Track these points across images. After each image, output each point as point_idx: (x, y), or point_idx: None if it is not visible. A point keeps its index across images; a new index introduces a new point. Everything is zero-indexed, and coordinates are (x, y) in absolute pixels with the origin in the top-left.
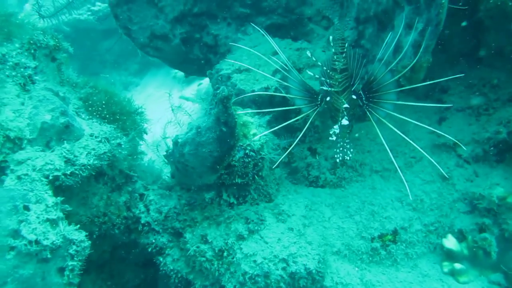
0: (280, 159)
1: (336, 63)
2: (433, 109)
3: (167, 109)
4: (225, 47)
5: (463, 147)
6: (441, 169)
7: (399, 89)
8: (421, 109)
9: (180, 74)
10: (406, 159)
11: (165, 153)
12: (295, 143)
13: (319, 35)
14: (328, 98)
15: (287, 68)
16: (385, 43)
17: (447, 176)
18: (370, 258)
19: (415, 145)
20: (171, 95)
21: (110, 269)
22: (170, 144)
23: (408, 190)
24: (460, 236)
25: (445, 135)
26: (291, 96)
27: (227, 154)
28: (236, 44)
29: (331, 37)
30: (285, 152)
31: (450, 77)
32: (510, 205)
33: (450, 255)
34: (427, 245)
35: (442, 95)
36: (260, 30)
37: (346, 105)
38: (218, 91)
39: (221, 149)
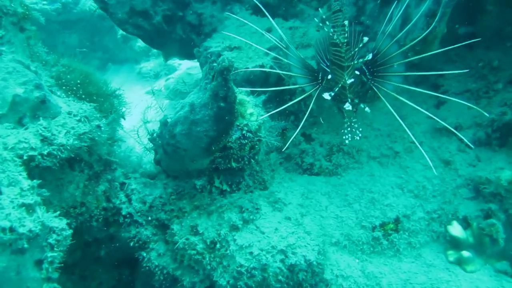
0: (289, 141)
1: (337, 36)
2: (432, 90)
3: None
4: (210, 27)
5: (458, 135)
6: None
7: (408, 60)
8: (418, 93)
9: (146, 69)
10: (405, 144)
11: (149, 137)
12: (300, 126)
13: (310, 16)
14: (329, 76)
15: (283, 46)
16: (388, 16)
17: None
18: (372, 249)
19: (409, 133)
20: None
21: (81, 270)
22: (152, 128)
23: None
24: (465, 224)
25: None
26: (292, 74)
27: (224, 133)
28: (232, 15)
29: (321, 13)
30: (280, 137)
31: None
32: None
33: (454, 244)
34: (430, 233)
35: (438, 78)
36: (259, 5)
37: (351, 80)
38: (217, 62)
39: (218, 128)
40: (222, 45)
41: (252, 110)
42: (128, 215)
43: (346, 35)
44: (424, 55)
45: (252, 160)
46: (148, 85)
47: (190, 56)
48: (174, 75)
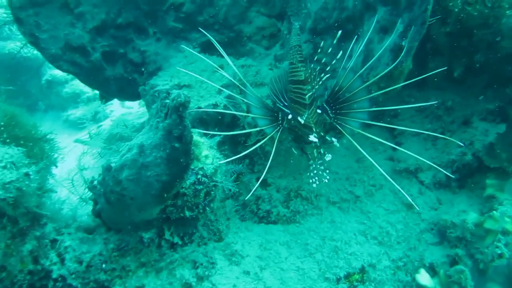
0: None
1: (298, 73)
2: (386, 134)
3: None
4: (155, 65)
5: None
6: (409, 199)
7: (372, 95)
8: (374, 135)
9: (74, 116)
10: (366, 187)
11: (88, 185)
12: (266, 169)
13: (261, 55)
14: (290, 116)
15: (239, 84)
16: (348, 52)
17: (417, 208)
18: None
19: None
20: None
21: None
22: (90, 176)
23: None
24: (431, 271)
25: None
26: (252, 115)
27: (179, 178)
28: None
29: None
30: (235, 180)
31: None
32: (485, 232)
33: None
34: (396, 283)
35: (393, 119)
36: (214, 42)
37: (315, 119)
38: (170, 97)
39: (172, 172)
40: (171, 83)
41: (207, 152)
42: (59, 278)
43: (308, 71)
44: (389, 88)
45: (207, 208)
46: (77, 133)
47: (131, 96)
48: (110, 119)
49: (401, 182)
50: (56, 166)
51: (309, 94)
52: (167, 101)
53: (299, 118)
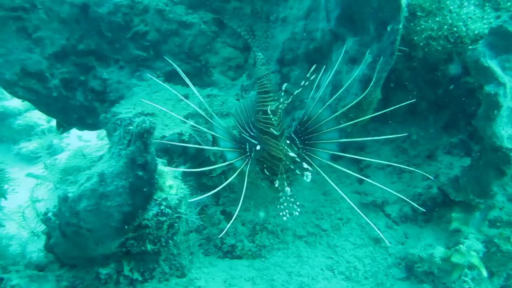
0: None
1: (267, 103)
2: (352, 167)
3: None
4: (117, 94)
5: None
6: (381, 234)
7: (342, 125)
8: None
9: (27, 150)
10: (333, 221)
11: (41, 217)
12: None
13: (227, 85)
14: (258, 147)
15: (204, 115)
16: (316, 83)
17: (388, 244)
18: None
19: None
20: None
21: None
22: (44, 208)
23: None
24: None
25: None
26: (220, 148)
27: (141, 208)
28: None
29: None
30: (199, 212)
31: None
32: (452, 266)
33: None
34: None
35: (358, 152)
36: (179, 71)
37: (291, 153)
38: (135, 124)
39: (135, 202)
40: (134, 111)
41: (171, 182)
42: None
43: (277, 102)
44: (359, 119)
45: (170, 241)
46: (30, 167)
47: (91, 126)
48: (63, 155)
49: (368, 215)
50: (6, 198)
51: (279, 124)
52: (131, 127)
53: (257, 148)
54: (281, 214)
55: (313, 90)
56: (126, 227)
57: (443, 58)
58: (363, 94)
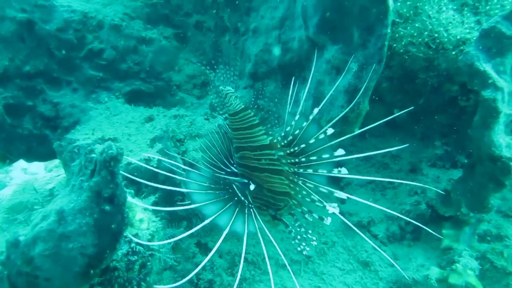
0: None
1: (256, 138)
2: (333, 186)
3: None
4: (71, 119)
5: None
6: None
7: (332, 143)
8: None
9: None
10: (317, 246)
11: None
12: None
13: (193, 104)
14: (252, 186)
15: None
16: (292, 97)
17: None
18: None
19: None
20: None
21: None
22: None
23: None
24: None
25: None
26: (197, 204)
27: (109, 248)
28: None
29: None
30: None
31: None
32: (449, 286)
33: None
34: None
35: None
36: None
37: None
38: (100, 150)
39: (101, 242)
40: (93, 137)
41: (142, 216)
42: None
43: (270, 136)
44: (341, 138)
45: (142, 283)
46: None
47: (42, 156)
48: (10, 188)
49: (354, 237)
50: None
51: (283, 157)
52: (94, 155)
53: (251, 187)
54: (299, 249)
55: (290, 105)
56: (91, 271)
57: (423, 65)
58: (351, 106)
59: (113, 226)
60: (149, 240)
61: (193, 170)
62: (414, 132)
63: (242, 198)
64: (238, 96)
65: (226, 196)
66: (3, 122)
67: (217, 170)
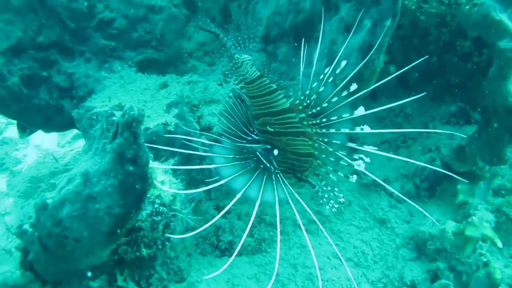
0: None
1: (276, 103)
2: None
3: None
4: (86, 89)
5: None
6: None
7: (348, 100)
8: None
9: None
10: (324, 207)
11: (15, 230)
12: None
13: (205, 71)
14: (275, 152)
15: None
16: (304, 58)
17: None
18: None
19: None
20: None
21: None
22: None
23: None
24: None
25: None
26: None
27: (135, 208)
28: None
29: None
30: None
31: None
32: (464, 240)
33: None
34: None
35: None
36: None
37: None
38: (122, 112)
39: (126, 202)
40: (110, 104)
41: (163, 178)
42: None
43: (291, 97)
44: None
45: (166, 243)
46: None
47: (60, 126)
48: (26, 164)
49: (370, 196)
50: None
51: (305, 119)
52: (115, 118)
53: (275, 153)
54: (328, 207)
55: (302, 65)
56: (118, 231)
57: (435, 22)
58: (364, 61)
59: (137, 186)
60: (171, 202)
61: (216, 144)
62: (427, 91)
63: (268, 165)
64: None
65: (252, 165)
66: (20, 93)
67: (237, 139)
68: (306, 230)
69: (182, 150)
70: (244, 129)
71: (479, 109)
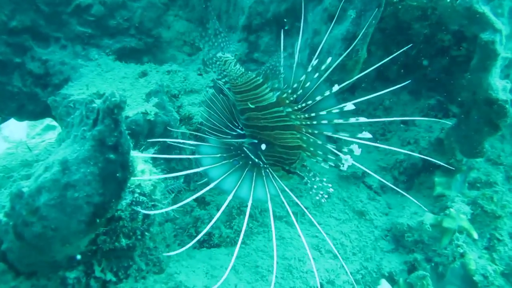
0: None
1: (263, 98)
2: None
3: None
4: (62, 76)
5: None
6: None
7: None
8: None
9: None
10: (313, 197)
11: None
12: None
13: (185, 61)
14: (263, 146)
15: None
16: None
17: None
18: None
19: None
20: None
21: None
22: None
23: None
24: (391, 281)
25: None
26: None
27: (115, 197)
28: None
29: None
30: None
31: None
32: (441, 232)
33: None
34: None
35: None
36: None
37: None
38: (104, 98)
39: (107, 190)
40: (88, 92)
41: (143, 167)
42: None
43: (277, 91)
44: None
45: (146, 233)
46: None
47: (33, 115)
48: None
49: (349, 188)
50: None
51: (292, 113)
52: (95, 105)
53: (262, 147)
54: (317, 198)
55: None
56: (97, 220)
57: (417, 15)
58: (347, 52)
59: (118, 174)
60: (151, 191)
61: (203, 143)
62: (406, 84)
63: (256, 160)
64: (234, 50)
65: (241, 162)
66: None
67: (223, 135)
68: (285, 222)
69: (170, 140)
70: (229, 124)
71: (456, 103)
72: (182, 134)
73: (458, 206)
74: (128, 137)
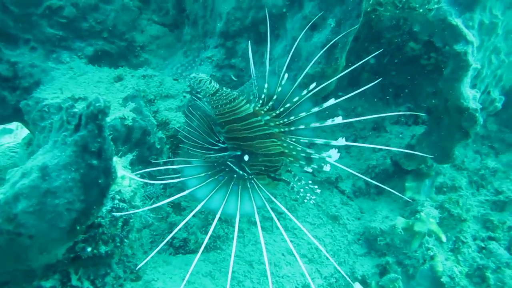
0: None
1: (239, 110)
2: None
3: None
4: (32, 79)
5: None
6: None
7: (306, 95)
8: None
9: None
10: (288, 203)
11: None
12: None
13: (159, 65)
14: (246, 157)
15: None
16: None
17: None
18: None
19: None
20: None
21: None
22: None
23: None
24: (363, 284)
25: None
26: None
27: (97, 204)
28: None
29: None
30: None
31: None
32: (411, 235)
33: None
34: None
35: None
36: None
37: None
38: (87, 103)
39: (89, 197)
40: (63, 96)
41: (123, 173)
42: None
43: (252, 102)
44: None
45: (125, 240)
46: None
47: (1, 119)
48: None
49: (323, 193)
50: None
51: (270, 120)
52: (76, 110)
53: (245, 158)
54: (305, 200)
55: (267, 63)
56: (78, 228)
57: (389, 24)
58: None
59: (100, 181)
60: (131, 198)
61: (186, 166)
62: (374, 91)
63: (241, 172)
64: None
65: (226, 177)
66: None
67: (205, 152)
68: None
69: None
70: (209, 139)
71: (424, 110)
72: (160, 140)
73: (428, 210)
74: (111, 142)
